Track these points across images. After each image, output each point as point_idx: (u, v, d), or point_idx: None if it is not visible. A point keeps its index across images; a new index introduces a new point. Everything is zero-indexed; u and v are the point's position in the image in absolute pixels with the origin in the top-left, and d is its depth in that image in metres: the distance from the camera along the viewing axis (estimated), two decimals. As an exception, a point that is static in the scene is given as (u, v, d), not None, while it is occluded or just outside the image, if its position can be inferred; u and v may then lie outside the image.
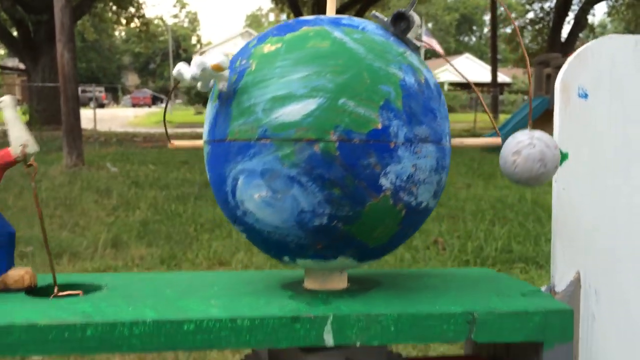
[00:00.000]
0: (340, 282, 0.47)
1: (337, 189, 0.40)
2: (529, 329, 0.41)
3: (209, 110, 0.46)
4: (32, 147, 0.46)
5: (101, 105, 21.67)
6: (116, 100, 27.79)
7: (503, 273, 0.54)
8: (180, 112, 22.06)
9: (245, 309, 0.41)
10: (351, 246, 0.42)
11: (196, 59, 0.41)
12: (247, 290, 0.46)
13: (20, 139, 0.45)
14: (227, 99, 0.42)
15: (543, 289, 0.49)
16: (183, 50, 32.59)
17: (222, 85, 0.42)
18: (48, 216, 3.89)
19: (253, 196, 0.41)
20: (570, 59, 0.51)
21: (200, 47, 31.85)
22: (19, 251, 2.96)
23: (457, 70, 0.54)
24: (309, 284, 0.48)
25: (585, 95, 0.49)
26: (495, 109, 14.67)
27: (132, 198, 4.57)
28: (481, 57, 29.24)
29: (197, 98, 23.85)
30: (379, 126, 0.40)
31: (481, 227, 3.39)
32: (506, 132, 8.62)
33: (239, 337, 0.39)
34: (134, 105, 25.17)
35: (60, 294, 0.46)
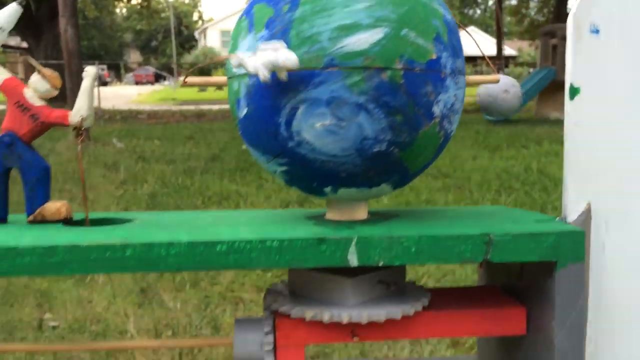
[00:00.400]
0: (362, 214, 0.50)
1: (400, 115, 0.42)
2: (543, 249, 0.44)
3: (248, 44, 0.45)
4: (89, 122, 0.48)
5: (104, 83, 21.61)
6: (119, 78, 27.69)
7: (517, 208, 0.56)
8: (183, 89, 21.99)
9: (273, 232, 0.43)
10: (397, 172, 0.45)
11: (264, 57, 0.40)
12: (273, 220, 0.48)
13: (83, 110, 0.47)
14: (282, 29, 0.42)
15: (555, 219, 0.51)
16: (184, 27, 32.34)
17: (284, 75, 0.41)
18: (57, 190, 3.93)
19: (314, 125, 0.42)
20: (582, -4, 0.52)
21: (202, 24, 31.57)
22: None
23: (472, 37, 0.56)
24: (331, 216, 0.50)
25: (597, 31, 0.50)
26: (500, 82, 14.58)
27: (140, 172, 4.60)
28: (486, 30, 28.91)
29: (199, 75, 23.71)
30: (434, 57, 0.43)
31: (487, 196, 3.41)
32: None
33: (269, 257, 0.41)
34: (136, 83, 25.11)
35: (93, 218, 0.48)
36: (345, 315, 0.45)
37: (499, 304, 0.50)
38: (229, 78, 0.48)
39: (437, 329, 0.48)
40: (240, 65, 0.41)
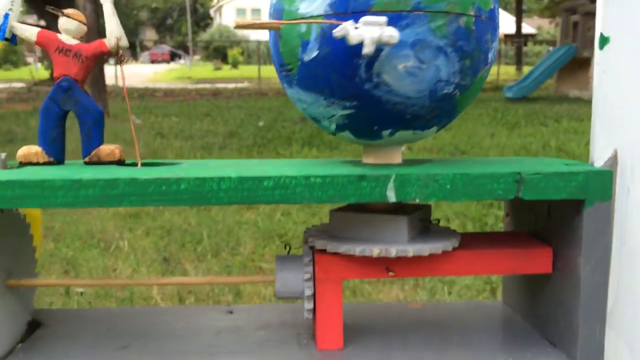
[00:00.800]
0: (398, 159, 0.52)
1: (468, 60, 0.45)
2: (572, 187, 0.46)
3: None
4: (124, 42, 0.50)
5: (120, 62, 21.59)
6: (135, 57, 27.76)
7: (545, 157, 0.58)
8: (199, 68, 22.01)
9: (316, 170, 0.46)
10: (449, 115, 0.49)
11: (371, 32, 0.41)
12: (314, 165, 0.51)
13: (115, 32, 0.50)
14: None
15: (582, 168, 0.53)
16: (200, 5, 32.21)
17: (372, 49, 0.42)
18: (71, 129, 3.99)
19: (397, 67, 0.44)
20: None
21: (218, 2, 31.39)
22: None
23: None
24: (368, 160, 0.53)
25: (628, -18, 0.51)
26: (519, 60, 14.37)
27: (159, 148, 4.66)
28: (505, 7, 28.44)
29: (214, 53, 23.72)
30: (492, 7, 0.47)
31: (505, 171, 3.40)
32: (529, 82, 8.46)
33: (312, 192, 0.44)
34: (152, 62, 25.17)
35: (144, 161, 0.51)
36: (375, 249, 0.48)
37: (526, 245, 0.52)
38: (289, 23, 0.47)
39: (468, 267, 0.50)
40: (348, 36, 0.42)
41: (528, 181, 0.45)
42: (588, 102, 7.42)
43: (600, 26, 0.52)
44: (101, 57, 0.51)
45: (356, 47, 0.43)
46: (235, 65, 21.28)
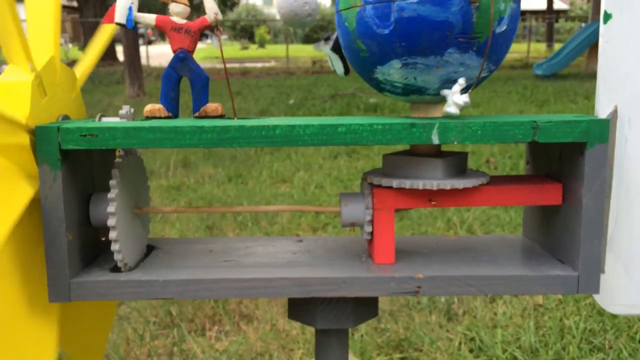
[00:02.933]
0: (439, 112, 0.66)
1: None
2: (577, 132, 0.59)
3: None
4: (220, 16, 0.65)
5: (149, 42, 21.92)
6: (162, 37, 28.03)
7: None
8: (226, 47, 22.14)
9: (377, 120, 0.60)
10: None
11: (461, 100, 0.59)
12: (373, 118, 0.65)
13: (213, 9, 0.64)
14: None
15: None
16: (227, -15, 32.24)
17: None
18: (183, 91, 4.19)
19: None
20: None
21: (244, -19, 31.40)
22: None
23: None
24: (415, 114, 0.66)
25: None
26: (550, 36, 14.17)
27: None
28: (535, -17, 27.83)
29: (242, 33, 23.84)
30: None
31: (532, 146, 3.48)
32: (559, 60, 8.35)
33: (375, 136, 0.58)
34: (180, 42, 25.36)
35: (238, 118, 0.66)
36: (421, 183, 0.62)
37: (541, 182, 0.66)
38: None
39: (495, 198, 0.64)
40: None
41: (542, 127, 0.59)
42: (619, 79, 7.34)
43: (605, 4, 0.65)
44: (204, 30, 0.65)
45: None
46: (262, 44, 21.35)
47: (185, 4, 0.64)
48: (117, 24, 0.63)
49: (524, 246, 0.72)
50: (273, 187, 3.42)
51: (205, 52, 19.62)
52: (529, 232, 0.75)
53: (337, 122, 0.59)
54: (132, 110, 0.66)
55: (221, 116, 0.66)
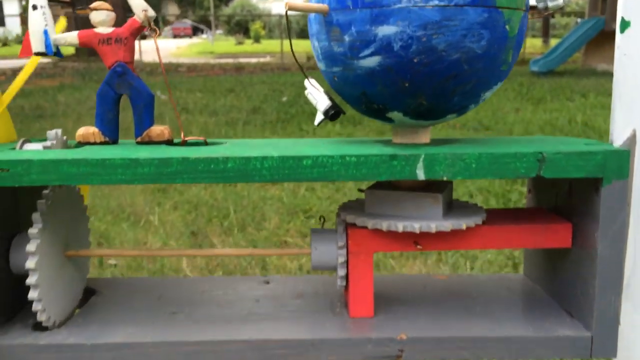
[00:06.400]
0: (425, 138, 0.55)
1: None
2: (591, 166, 0.49)
3: None
4: (151, 13, 0.54)
5: (143, 37, 21.75)
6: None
7: (566, 137, 0.61)
8: (221, 42, 21.99)
9: (350, 150, 0.50)
10: None
11: None
12: (347, 144, 0.55)
13: (141, 5, 0.53)
14: None
15: (602, 147, 0.56)
16: (222, -21, 32.01)
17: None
18: (123, 109, 4.10)
19: None
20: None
21: (239, -25, 31.13)
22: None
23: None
24: (397, 140, 0.56)
25: (651, -32, 0.53)
26: (546, 32, 14.06)
27: (184, 123, 4.72)
28: (532, -22, 27.68)
29: (237, 28, 23.68)
30: None
31: (529, 147, 3.39)
32: (557, 55, 8.29)
33: (347, 170, 0.48)
34: (174, 36, 25.24)
35: (188, 138, 0.56)
36: (401, 225, 0.51)
37: (547, 221, 0.55)
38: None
39: (492, 241, 0.54)
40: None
41: (549, 160, 0.48)
42: (616, 76, 7.26)
43: (622, 10, 0.54)
44: (138, 33, 0.55)
45: None
46: (257, 39, 21.22)
47: (107, 9, 0.54)
48: (37, 54, 0.53)
49: (525, 290, 0.62)
50: (262, 189, 3.31)
51: (199, 47, 19.46)
52: (531, 271, 0.65)
53: (302, 153, 0.48)
54: (65, 137, 0.55)
55: (168, 142, 0.56)
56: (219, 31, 26.29)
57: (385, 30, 0.47)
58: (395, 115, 0.52)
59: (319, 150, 0.49)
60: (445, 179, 0.49)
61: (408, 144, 0.55)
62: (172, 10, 32.99)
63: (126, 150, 0.51)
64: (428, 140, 0.56)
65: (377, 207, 0.55)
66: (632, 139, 0.55)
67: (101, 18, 0.54)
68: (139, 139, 0.55)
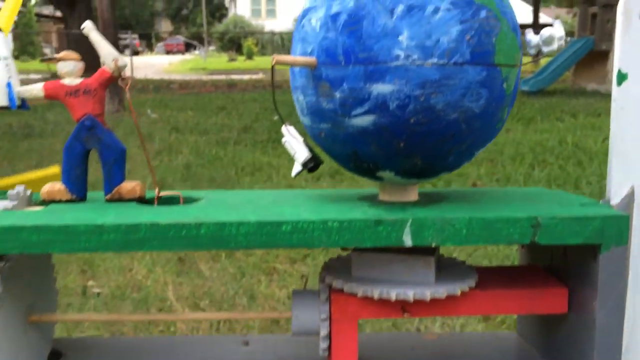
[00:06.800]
0: (414, 195, 0.52)
1: None
2: (588, 232, 0.46)
3: None
4: (122, 61, 0.51)
5: (136, 53, 21.79)
6: (150, 48, 27.90)
7: (560, 190, 0.58)
8: (213, 59, 22.04)
9: (333, 213, 0.47)
10: None
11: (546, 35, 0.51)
12: (329, 200, 0.52)
13: (111, 55, 0.50)
14: None
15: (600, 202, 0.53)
16: (215, -4, 32.18)
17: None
18: (95, 160, 4.03)
19: None
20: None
21: (232, -8, 31.35)
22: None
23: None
24: (384, 197, 0.53)
25: (648, 19, 0.51)
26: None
27: (174, 143, 4.69)
28: (522, -3, 28.07)
29: (229, 44, 23.76)
30: None
31: (520, 170, 3.38)
32: (547, 75, 8.36)
33: (329, 237, 0.45)
34: (167, 53, 25.27)
35: (163, 193, 0.52)
36: (393, 293, 0.48)
37: (542, 284, 0.52)
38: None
39: (483, 307, 0.51)
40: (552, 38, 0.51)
41: (544, 226, 0.45)
42: (605, 95, 7.30)
43: (618, 62, 0.52)
44: (108, 84, 0.52)
45: None
46: (250, 56, 21.30)
47: (75, 59, 0.51)
48: (0, 108, 0.50)
49: (519, 351, 0.59)
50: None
51: (192, 63, 19.48)
52: (525, 330, 0.62)
53: (281, 217, 0.45)
54: (30, 192, 0.52)
55: (140, 199, 0.52)
56: (211, 47, 26.37)
57: (381, 88, 0.44)
58: (387, 174, 0.49)
59: (299, 213, 0.46)
60: (434, 245, 0.46)
61: (395, 203, 0.51)
62: (165, 26, 33.10)
63: (92, 212, 0.48)
64: (416, 197, 0.53)
65: (364, 270, 0.52)
66: (630, 196, 0.52)
67: (68, 69, 0.51)
68: (108, 197, 0.52)
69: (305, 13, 0.48)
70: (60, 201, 0.52)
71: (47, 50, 21.47)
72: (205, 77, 13.02)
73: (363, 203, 0.51)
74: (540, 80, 8.08)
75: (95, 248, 0.44)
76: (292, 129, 0.51)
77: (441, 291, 0.48)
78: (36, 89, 0.51)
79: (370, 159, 0.48)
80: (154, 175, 0.53)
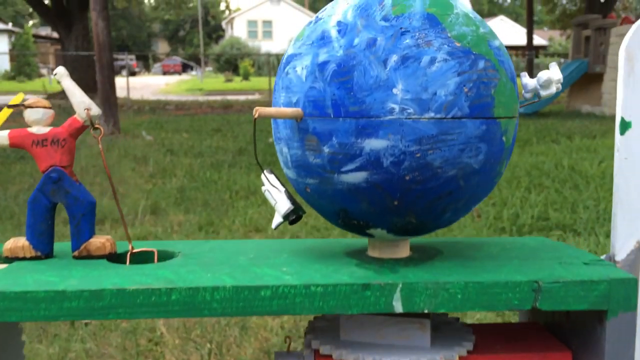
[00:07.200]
0: (404, 251, 0.49)
1: None
2: (593, 297, 0.42)
3: None
4: (96, 110, 0.48)
5: (133, 73, 21.88)
6: (147, 68, 28.00)
7: (560, 242, 0.54)
8: (210, 79, 22.13)
9: (316, 276, 0.43)
10: None
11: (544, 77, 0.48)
12: (314, 257, 0.48)
13: (83, 103, 0.47)
14: None
15: (603, 257, 0.50)
16: (212, 17, 32.47)
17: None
18: (89, 183, 3.99)
19: None
20: (635, 26, 0.50)
21: (229, 14, 31.64)
22: (63, 218, 3.07)
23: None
24: (373, 253, 0.49)
25: (651, 65, 0.48)
26: (530, 72, 14.32)
27: (168, 166, 4.65)
28: (516, 19, 28.36)
29: (226, 65, 23.88)
30: None
31: (516, 194, 3.35)
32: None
33: (312, 303, 0.41)
34: (164, 73, 25.37)
35: (136, 250, 0.49)
36: None
37: (544, 346, 0.49)
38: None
39: (481, 371, 0.47)
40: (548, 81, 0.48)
41: (546, 291, 0.42)
42: (600, 117, 7.33)
43: (621, 109, 0.49)
44: (79, 134, 0.48)
45: None
46: (246, 76, 21.40)
47: (44, 107, 0.48)
48: None
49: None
50: (246, 236, 3.23)
51: (188, 84, 19.54)
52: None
53: (260, 280, 0.42)
54: None
55: (110, 256, 0.49)
56: (208, 68, 26.49)
57: (374, 143, 0.41)
58: (378, 232, 0.46)
59: (280, 275, 0.43)
60: (426, 311, 0.42)
61: (385, 260, 0.48)
62: (162, 47, 33.29)
63: (55, 273, 0.44)
64: (407, 252, 0.49)
65: (354, 333, 0.48)
66: (637, 252, 0.49)
67: (36, 117, 0.47)
68: (76, 253, 0.48)
69: (289, 60, 0.45)
70: (24, 258, 0.48)
71: (44, 71, 21.51)
72: (201, 98, 13.05)
73: (350, 261, 0.48)
74: (536, 102, 8.11)
75: (56, 317, 0.40)
76: (272, 177, 0.47)
77: (438, 358, 0.44)
78: (1, 137, 0.47)
79: (361, 216, 0.44)
80: (126, 227, 0.50)
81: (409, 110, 0.40)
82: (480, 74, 0.41)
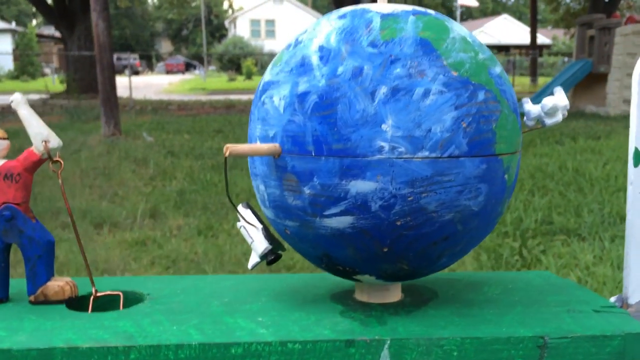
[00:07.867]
0: (395, 295, 0.44)
1: None
2: (606, 355, 0.38)
3: None
4: (55, 141, 0.43)
5: (136, 73, 21.87)
6: (150, 68, 28.01)
7: (567, 279, 0.50)
8: (213, 79, 22.10)
9: (295, 328, 0.38)
10: None
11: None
12: (295, 301, 0.43)
13: (41, 135, 0.42)
14: None
15: (614, 299, 0.45)
16: (215, 16, 32.44)
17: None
18: (88, 186, 3.96)
19: None
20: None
21: (232, 13, 31.57)
22: (61, 222, 3.03)
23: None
24: (361, 297, 0.45)
25: (669, 89, 0.43)
26: (534, 71, 14.22)
27: (169, 168, 4.62)
28: (520, 18, 28.22)
29: (229, 64, 23.86)
30: None
31: (520, 197, 3.30)
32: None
33: (290, 360, 0.37)
34: (167, 72, 25.36)
35: (100, 294, 0.44)
36: None
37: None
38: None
39: None
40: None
41: (553, 347, 0.37)
42: (604, 118, 7.25)
43: (635, 139, 0.44)
44: (35, 168, 0.44)
45: None
46: (249, 75, 21.38)
47: (1, 137, 0.43)
48: None
49: None
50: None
51: (191, 83, 19.51)
52: None
53: (230, 337, 0.37)
54: None
55: (70, 300, 0.44)
56: (211, 67, 26.45)
57: (360, 186, 0.36)
58: (366, 277, 0.41)
59: (254, 328, 0.38)
60: None
61: (373, 306, 0.43)
62: (165, 46, 33.28)
63: (5, 325, 0.40)
64: (399, 296, 0.45)
65: None
66: (653, 295, 0.44)
67: None
68: (32, 298, 0.44)
69: (265, 87, 0.41)
70: (-26, 304, 0.43)
71: (47, 70, 21.50)
72: (204, 98, 13.03)
73: (335, 307, 0.43)
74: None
75: (-1, 379, 0.36)
76: (248, 212, 0.42)
77: None
78: None
79: (346, 263, 0.39)
80: (89, 272, 0.45)
81: (400, 149, 0.35)
82: (480, 106, 0.36)
